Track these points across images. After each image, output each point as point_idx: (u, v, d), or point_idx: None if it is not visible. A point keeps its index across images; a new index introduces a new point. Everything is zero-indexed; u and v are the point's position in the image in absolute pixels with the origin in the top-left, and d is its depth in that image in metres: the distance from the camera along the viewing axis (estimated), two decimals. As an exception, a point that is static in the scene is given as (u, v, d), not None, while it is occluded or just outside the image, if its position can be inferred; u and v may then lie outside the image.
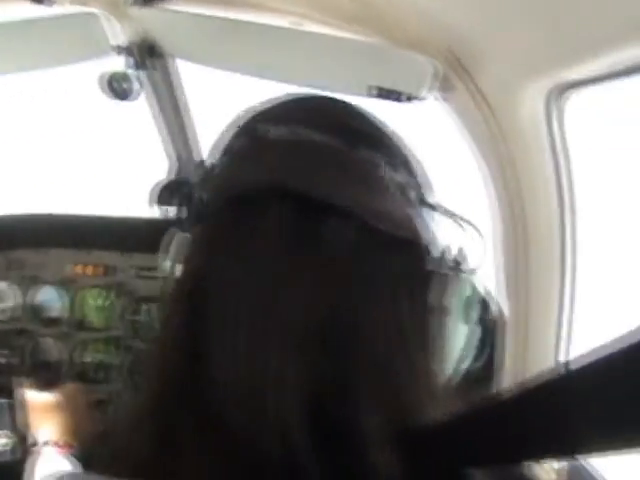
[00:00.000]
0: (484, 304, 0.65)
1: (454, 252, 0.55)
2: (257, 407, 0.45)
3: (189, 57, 1.21)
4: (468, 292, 0.57)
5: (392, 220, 0.49)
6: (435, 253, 0.52)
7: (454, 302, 0.53)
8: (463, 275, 0.54)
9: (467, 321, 0.57)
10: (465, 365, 0.57)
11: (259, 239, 0.48)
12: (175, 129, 1.43)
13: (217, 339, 0.47)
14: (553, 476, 1.28)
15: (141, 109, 1.36)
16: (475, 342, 0.58)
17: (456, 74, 1.03)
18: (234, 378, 0.46)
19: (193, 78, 1.37)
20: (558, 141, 1.04)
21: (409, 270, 0.50)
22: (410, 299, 0.50)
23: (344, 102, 0.56)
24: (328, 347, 0.46)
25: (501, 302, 1.30)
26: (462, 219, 0.56)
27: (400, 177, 0.51)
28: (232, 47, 1.08)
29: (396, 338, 0.48)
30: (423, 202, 0.52)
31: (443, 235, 0.56)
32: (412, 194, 0.52)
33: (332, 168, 0.49)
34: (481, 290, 0.61)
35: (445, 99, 1.08)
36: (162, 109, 1.38)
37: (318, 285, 0.47)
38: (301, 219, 0.48)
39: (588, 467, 1.31)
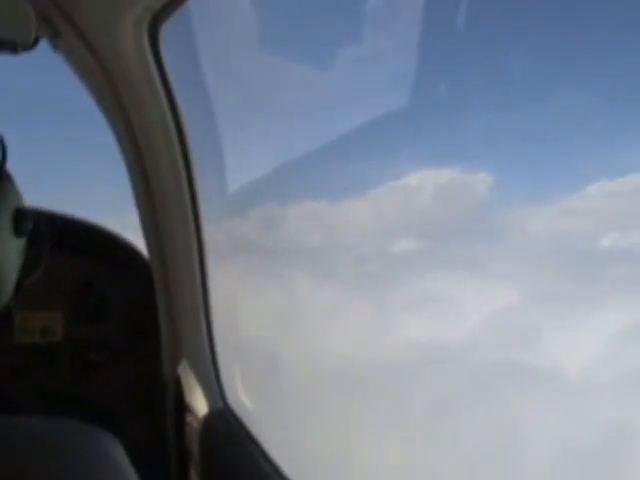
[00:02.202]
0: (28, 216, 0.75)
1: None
2: None
3: None
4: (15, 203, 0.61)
5: None
6: None
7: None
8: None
9: (17, 234, 0.66)
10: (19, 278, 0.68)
11: None
12: None
13: None
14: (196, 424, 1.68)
15: None
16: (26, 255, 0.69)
17: (59, 18, 1.11)
18: None
19: None
20: (158, 71, 1.21)
21: None
22: None
23: None
24: None
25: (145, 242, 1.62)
26: None
27: None
28: None
29: None
30: None
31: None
32: None
33: None
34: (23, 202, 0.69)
35: (55, 46, 1.18)
36: None
37: None
38: None
39: (228, 412, 1.70)
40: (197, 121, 1.45)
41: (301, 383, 2.23)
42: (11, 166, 0.78)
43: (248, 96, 2.02)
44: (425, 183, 2.52)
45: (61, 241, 1.72)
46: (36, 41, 1.04)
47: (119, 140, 1.43)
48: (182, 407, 1.73)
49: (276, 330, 2.32)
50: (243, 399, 1.80)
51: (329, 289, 2.51)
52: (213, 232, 1.73)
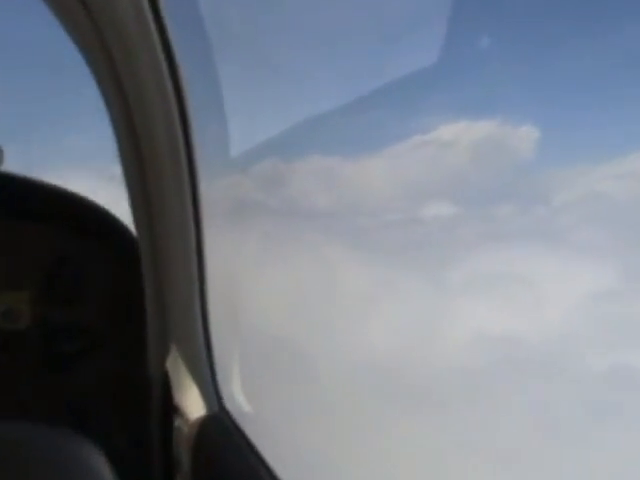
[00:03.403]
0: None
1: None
2: None
3: None
4: None
5: None
6: None
7: None
8: None
9: None
10: None
11: None
12: None
13: None
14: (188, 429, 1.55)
15: None
16: None
17: None
18: None
19: None
20: (152, 13, 1.13)
21: None
22: None
23: None
24: None
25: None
26: None
27: None
28: None
29: None
30: None
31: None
32: None
33: None
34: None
35: None
36: None
37: None
38: None
39: (225, 416, 1.57)
40: (195, 71, 1.38)
41: (322, 388, 2.05)
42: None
43: (252, 43, 1.88)
44: (458, 138, 2.36)
45: (29, 208, 1.64)
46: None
47: (108, 106, 1.32)
48: (170, 408, 1.59)
49: (291, 318, 2.17)
50: (244, 402, 1.66)
51: (354, 265, 2.34)
52: (212, 193, 1.60)
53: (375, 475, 1.89)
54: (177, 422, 1.58)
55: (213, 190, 1.64)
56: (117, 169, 1.49)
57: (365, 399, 2.03)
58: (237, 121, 1.82)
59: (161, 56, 1.21)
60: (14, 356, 1.71)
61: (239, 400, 1.66)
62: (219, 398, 1.60)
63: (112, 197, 1.73)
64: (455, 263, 2.29)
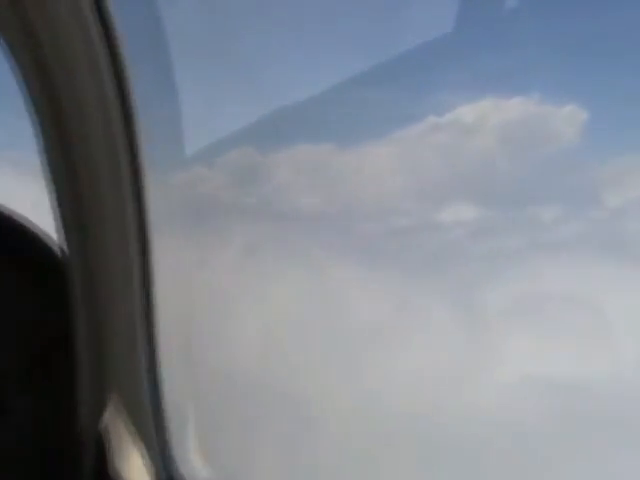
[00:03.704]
0: None
1: None
2: None
3: None
4: None
5: None
6: None
7: None
8: None
9: None
10: None
11: None
12: None
13: None
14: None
15: None
16: None
17: None
18: None
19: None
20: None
21: None
22: None
23: None
24: None
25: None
26: None
27: None
28: None
29: None
30: None
31: None
32: None
33: None
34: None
35: None
36: None
37: None
38: None
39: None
40: (140, 45, 1.39)
41: (315, 449, 1.99)
42: None
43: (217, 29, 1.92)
44: (483, 121, 2.27)
45: None
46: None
47: (31, 100, 1.31)
48: (105, 475, 1.52)
49: (270, 358, 2.10)
50: (203, 468, 1.63)
51: (353, 284, 2.24)
52: (166, 194, 1.61)
53: None
54: None
55: (167, 190, 1.63)
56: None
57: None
58: (202, 108, 1.91)
59: (98, 39, 1.21)
60: None
61: (196, 465, 1.64)
62: (171, 462, 1.57)
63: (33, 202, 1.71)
64: (489, 282, 2.19)
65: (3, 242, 1.64)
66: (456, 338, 2.17)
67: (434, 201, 2.39)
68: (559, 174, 2.31)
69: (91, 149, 1.34)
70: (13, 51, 1.26)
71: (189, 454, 1.64)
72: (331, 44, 2.10)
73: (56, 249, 1.57)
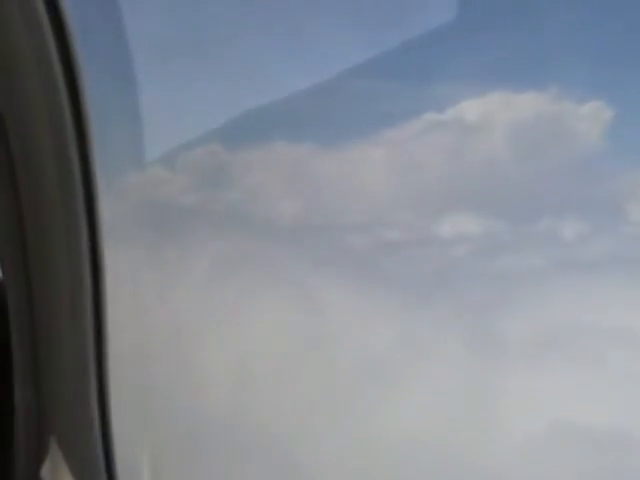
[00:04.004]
0: None
1: None
2: None
3: None
4: None
5: None
6: None
7: None
8: None
9: None
10: None
11: None
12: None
13: None
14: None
15: None
16: None
17: None
18: None
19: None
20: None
21: None
22: None
23: None
24: None
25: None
26: None
27: None
28: None
29: None
30: None
31: None
32: None
33: None
34: None
35: None
36: None
37: None
38: None
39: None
40: (95, 41, 1.47)
41: None
42: None
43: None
44: (491, 119, 2.25)
45: None
46: None
47: None
48: None
49: (242, 396, 2.08)
50: None
51: (338, 307, 2.21)
52: (120, 198, 1.71)
53: None
54: None
55: (122, 194, 1.73)
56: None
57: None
58: (164, 106, 1.97)
59: (49, 34, 1.25)
60: None
61: None
62: None
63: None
64: (502, 310, 2.14)
65: None
66: (465, 379, 2.13)
67: (432, 212, 2.36)
68: (580, 182, 2.28)
69: (33, 148, 1.37)
70: None
71: None
72: (314, 28, 2.10)
73: None
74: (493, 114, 2.33)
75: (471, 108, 2.35)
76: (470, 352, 2.19)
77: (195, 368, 2.08)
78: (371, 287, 2.33)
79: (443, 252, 2.39)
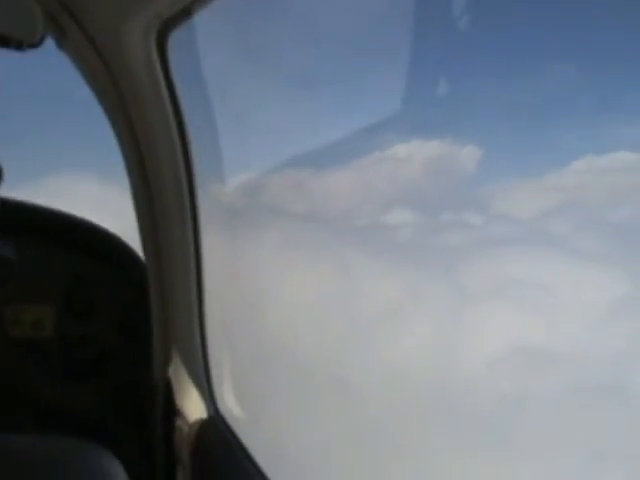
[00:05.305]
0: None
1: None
2: None
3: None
4: None
5: None
6: None
7: None
8: None
9: None
10: None
11: None
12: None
13: None
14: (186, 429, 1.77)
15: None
16: None
17: (65, 18, 1.28)
18: None
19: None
20: (164, 78, 1.38)
21: None
22: None
23: None
24: None
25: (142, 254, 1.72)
26: None
27: None
28: None
29: None
30: None
31: None
32: None
33: None
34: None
35: (60, 45, 1.36)
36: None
37: None
38: None
39: (219, 418, 1.79)
40: (199, 126, 1.63)
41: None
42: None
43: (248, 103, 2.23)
44: (412, 154, 2.83)
45: (52, 234, 2.06)
46: (42, 39, 1.25)
47: (120, 141, 1.59)
48: (172, 410, 1.89)
49: (286, 324, 2.35)
50: (236, 406, 1.94)
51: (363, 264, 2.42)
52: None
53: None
54: (178, 422, 1.88)
55: (215, 198, 1.86)
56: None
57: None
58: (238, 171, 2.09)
59: (171, 118, 1.48)
60: (38, 362, 2.08)
61: (231, 404, 1.92)
62: (214, 403, 1.85)
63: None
64: (458, 268, 2.51)
65: (104, 249, 2.10)
66: (448, 314, 2.42)
67: (382, 207, 2.86)
68: (461, 190, 2.90)
69: (163, 197, 1.60)
70: (104, 104, 1.50)
71: (227, 398, 1.92)
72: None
73: (137, 253, 1.96)
74: (413, 152, 2.91)
75: (401, 148, 2.89)
76: (450, 297, 2.50)
77: (261, 314, 2.34)
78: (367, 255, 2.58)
79: (392, 232, 2.82)
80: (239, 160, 2.21)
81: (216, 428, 1.80)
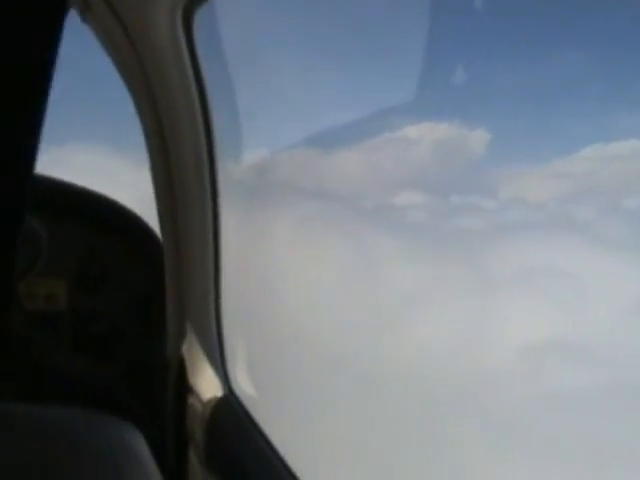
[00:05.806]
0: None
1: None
2: None
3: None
4: None
5: None
6: None
7: None
8: None
9: None
10: None
11: None
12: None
13: None
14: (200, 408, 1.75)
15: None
16: None
17: None
18: None
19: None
20: (189, 56, 1.38)
21: None
22: None
23: None
24: None
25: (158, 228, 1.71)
26: None
27: None
28: None
29: None
30: None
31: None
32: None
33: None
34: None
35: (84, 18, 1.37)
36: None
37: None
38: None
39: (233, 398, 1.78)
40: (221, 105, 1.63)
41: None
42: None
43: (274, 88, 2.28)
44: (423, 137, 2.82)
45: (67, 209, 2.10)
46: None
47: (141, 117, 1.60)
48: (184, 387, 1.91)
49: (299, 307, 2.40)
50: (249, 385, 1.95)
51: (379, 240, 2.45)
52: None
53: (369, 464, 2.14)
54: (191, 401, 1.90)
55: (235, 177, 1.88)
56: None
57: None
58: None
59: (195, 96, 1.48)
60: (52, 335, 2.14)
61: (245, 384, 1.93)
62: (228, 381, 1.88)
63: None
64: (476, 251, 2.50)
65: (119, 224, 2.14)
66: (471, 299, 2.39)
67: (391, 189, 2.87)
68: (470, 173, 2.88)
69: (183, 172, 1.62)
70: (127, 79, 1.52)
71: (241, 377, 1.93)
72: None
73: (152, 229, 2.01)
74: (424, 134, 2.87)
75: (412, 131, 2.86)
76: (474, 285, 2.49)
77: (277, 294, 2.36)
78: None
79: (401, 214, 2.83)
80: (256, 139, 2.32)
81: (231, 408, 1.84)
